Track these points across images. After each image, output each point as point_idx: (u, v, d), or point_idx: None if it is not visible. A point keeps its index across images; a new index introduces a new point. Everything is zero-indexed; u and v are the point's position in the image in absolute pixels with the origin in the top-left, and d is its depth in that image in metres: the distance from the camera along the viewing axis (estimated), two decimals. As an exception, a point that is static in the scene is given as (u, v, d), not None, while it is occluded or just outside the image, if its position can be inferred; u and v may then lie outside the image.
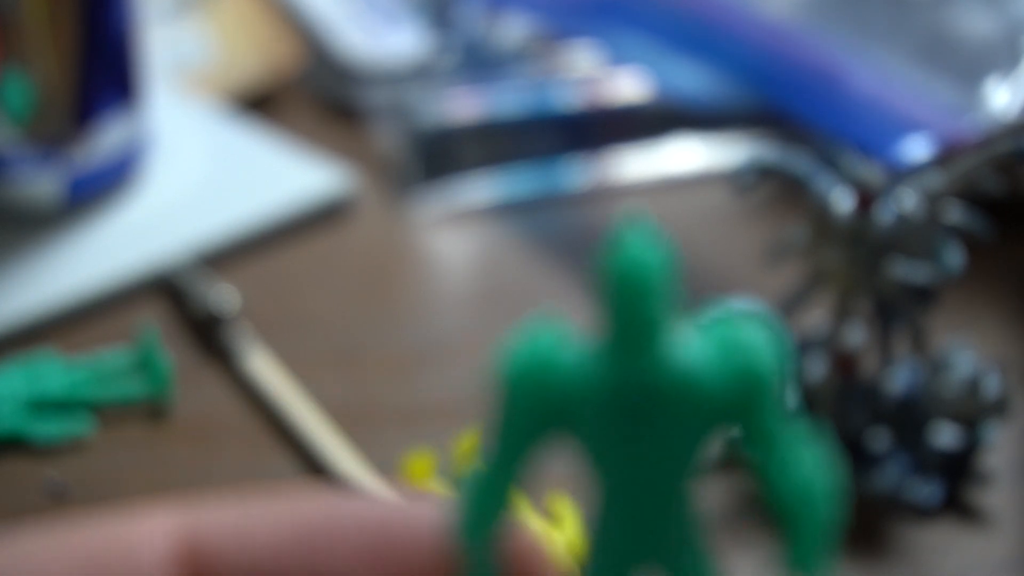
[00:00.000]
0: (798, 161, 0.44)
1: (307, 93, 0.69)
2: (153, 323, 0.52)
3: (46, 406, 0.48)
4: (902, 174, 0.45)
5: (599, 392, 0.17)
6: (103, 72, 0.56)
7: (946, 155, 0.52)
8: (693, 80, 0.63)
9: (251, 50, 0.69)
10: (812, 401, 0.46)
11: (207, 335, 0.52)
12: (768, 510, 0.18)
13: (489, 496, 0.17)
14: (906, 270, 0.43)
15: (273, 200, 0.59)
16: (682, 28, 0.61)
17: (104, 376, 0.49)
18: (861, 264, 0.44)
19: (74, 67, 0.55)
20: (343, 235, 0.59)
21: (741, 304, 0.17)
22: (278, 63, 0.68)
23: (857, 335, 0.45)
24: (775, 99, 0.59)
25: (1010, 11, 0.58)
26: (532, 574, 0.20)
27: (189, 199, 0.59)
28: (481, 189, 0.62)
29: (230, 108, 0.66)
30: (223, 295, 0.53)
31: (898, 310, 0.45)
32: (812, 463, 0.17)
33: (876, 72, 0.57)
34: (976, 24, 0.58)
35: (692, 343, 0.17)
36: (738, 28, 0.60)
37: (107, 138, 0.57)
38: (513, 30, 0.67)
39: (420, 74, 0.65)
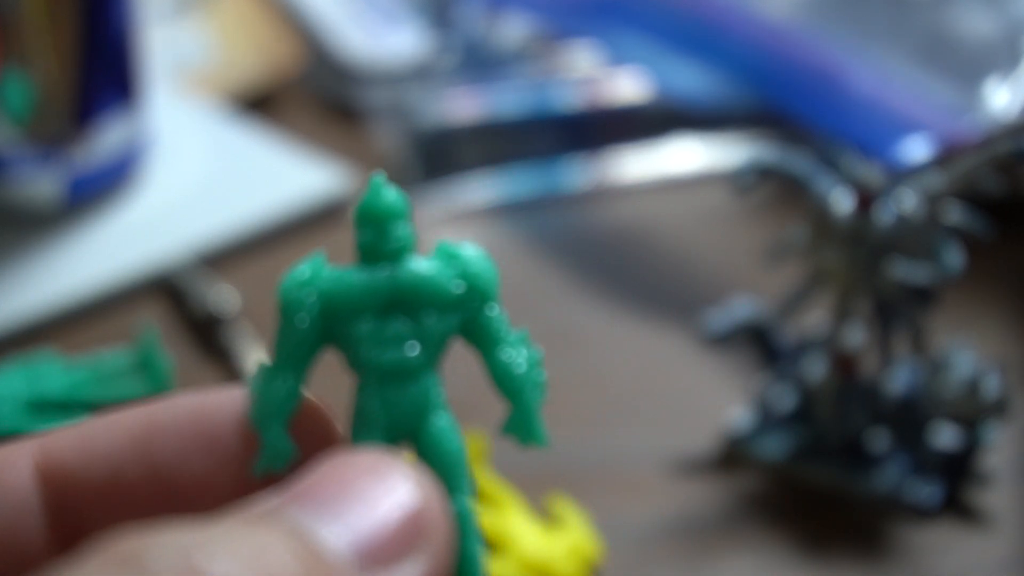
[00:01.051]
0: (798, 161, 0.44)
1: (307, 93, 0.69)
2: (153, 323, 0.52)
3: (46, 406, 0.48)
4: (902, 174, 0.45)
5: (357, 295, 0.21)
6: (103, 72, 0.56)
7: (946, 155, 0.52)
8: (693, 80, 0.63)
9: (251, 50, 0.69)
10: (812, 401, 0.46)
11: (207, 335, 0.52)
12: (496, 390, 0.22)
13: (273, 388, 0.22)
14: (906, 270, 0.43)
15: (273, 200, 0.59)
16: (682, 28, 0.61)
17: (104, 376, 0.49)
18: (861, 264, 0.44)
19: (74, 67, 0.55)
20: (343, 235, 0.59)
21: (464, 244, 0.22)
22: (278, 63, 0.68)
23: (857, 335, 0.45)
24: (775, 99, 0.59)
25: (1010, 11, 0.58)
26: (321, 446, 0.23)
27: (189, 199, 0.59)
28: (481, 189, 0.62)
29: (230, 108, 0.66)
30: (223, 295, 0.53)
31: (898, 310, 0.45)
32: (525, 355, 0.22)
33: (876, 72, 0.57)
34: (976, 25, 0.58)
35: (426, 260, 0.22)
36: (738, 28, 0.60)
37: (107, 138, 0.57)
38: (513, 30, 0.67)
39: (420, 74, 0.65)
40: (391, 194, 0.22)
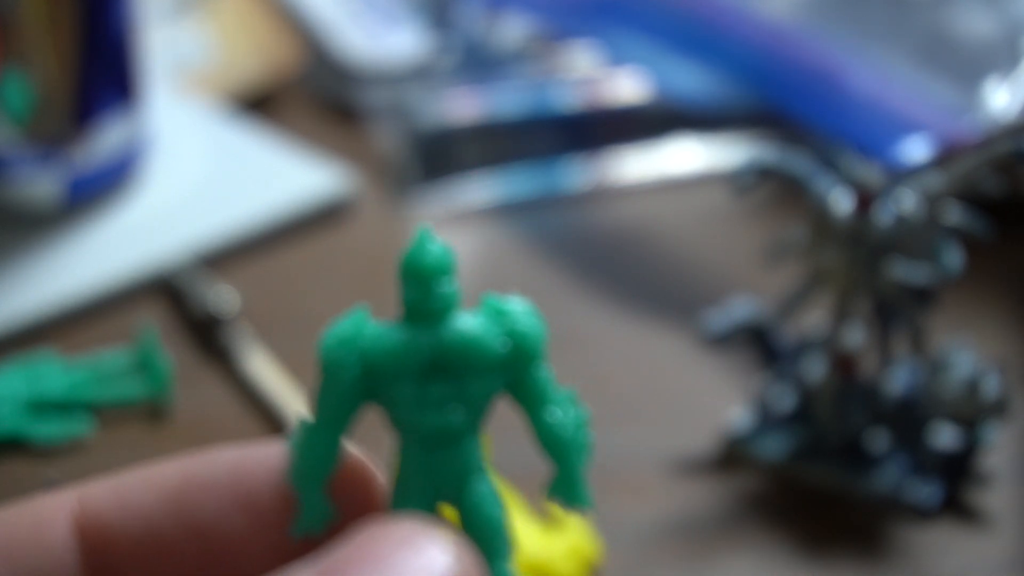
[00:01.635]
0: (797, 162, 0.44)
1: (307, 93, 0.69)
2: (153, 323, 0.52)
3: (46, 406, 0.48)
4: (901, 175, 0.45)
5: (400, 356, 0.21)
6: (103, 72, 0.56)
7: (945, 156, 0.52)
8: (692, 80, 0.63)
9: (251, 50, 0.69)
10: (812, 401, 0.46)
11: (207, 335, 0.52)
12: (541, 451, 0.22)
13: (313, 449, 0.21)
14: (905, 271, 0.43)
15: (273, 200, 0.59)
16: (681, 28, 0.61)
17: (104, 376, 0.49)
18: (860, 265, 0.44)
19: (74, 67, 0.55)
20: (343, 235, 0.59)
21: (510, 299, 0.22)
22: (278, 63, 0.68)
23: (857, 335, 0.45)
24: (774, 99, 0.59)
25: (1009, 12, 0.58)
26: (362, 507, 0.22)
27: (189, 199, 0.59)
28: (481, 189, 0.62)
29: (230, 108, 0.66)
30: (223, 295, 0.53)
31: (897, 310, 0.45)
32: (572, 416, 0.22)
33: (875, 72, 0.57)
34: (975, 25, 0.58)
35: (472, 317, 0.21)
36: (738, 28, 0.60)
37: (107, 138, 0.57)
38: (513, 30, 0.67)
39: (420, 74, 0.65)
40: (437, 249, 0.21)
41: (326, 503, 0.22)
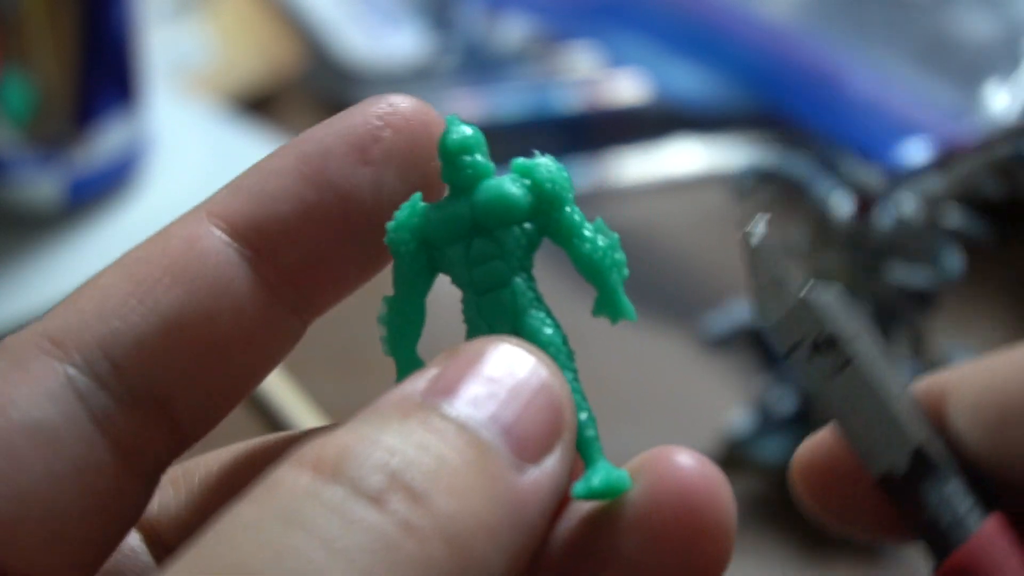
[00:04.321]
0: (797, 164, 0.44)
1: (307, 94, 0.69)
2: (153, 324, 0.52)
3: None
4: (901, 177, 0.45)
5: (445, 224, 0.24)
6: (103, 73, 0.56)
7: (945, 158, 0.52)
8: (693, 82, 0.63)
9: (251, 51, 0.69)
10: (812, 404, 0.46)
11: (207, 337, 0.52)
12: (582, 276, 0.24)
13: (398, 318, 0.24)
14: (905, 274, 0.44)
15: (273, 201, 0.59)
16: (682, 30, 0.61)
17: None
18: (860, 267, 0.44)
19: (74, 68, 0.55)
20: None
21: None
22: (278, 64, 0.68)
23: (856, 338, 0.45)
24: (775, 101, 0.59)
25: (1009, 14, 0.58)
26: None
27: (190, 200, 0.59)
28: (481, 190, 0.62)
29: (230, 109, 0.66)
30: (223, 297, 0.53)
31: (898, 313, 0.45)
32: (605, 239, 0.24)
33: (875, 75, 0.58)
34: (975, 27, 0.58)
35: (499, 179, 0.24)
36: (738, 31, 0.60)
37: (107, 139, 0.57)
38: (513, 31, 0.67)
39: (420, 75, 0.65)
40: (458, 131, 0.24)
41: (419, 360, 0.25)
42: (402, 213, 0.24)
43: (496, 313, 0.24)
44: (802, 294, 0.24)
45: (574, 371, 0.24)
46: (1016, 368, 0.22)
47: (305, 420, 0.48)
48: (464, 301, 0.24)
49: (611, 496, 0.22)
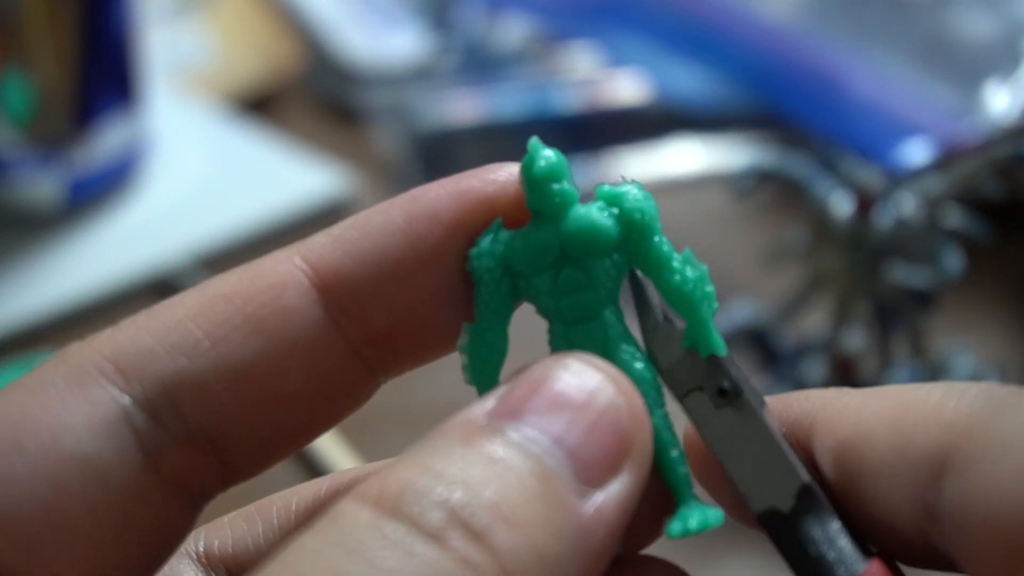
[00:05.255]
0: (797, 164, 0.44)
1: (307, 94, 0.69)
2: (153, 325, 0.52)
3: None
4: (901, 177, 0.45)
5: (531, 253, 0.23)
6: (103, 74, 0.56)
7: (945, 159, 0.52)
8: (693, 82, 0.63)
9: (251, 51, 0.69)
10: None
11: (207, 337, 0.52)
12: (672, 307, 0.24)
13: (480, 347, 0.24)
14: (905, 274, 0.44)
15: (273, 201, 0.59)
16: (682, 30, 0.61)
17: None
18: (860, 268, 0.44)
19: (74, 69, 0.55)
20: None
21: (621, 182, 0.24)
22: (278, 64, 0.68)
23: (857, 338, 0.45)
24: (775, 101, 0.59)
25: (1009, 15, 0.58)
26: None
27: (189, 200, 0.59)
28: (481, 191, 0.62)
29: (230, 109, 0.66)
30: (223, 297, 0.53)
31: (897, 313, 0.45)
32: (694, 272, 0.24)
33: (875, 75, 0.57)
34: (975, 27, 0.58)
35: (587, 207, 0.24)
36: (738, 31, 0.60)
37: (107, 140, 0.57)
38: (513, 31, 0.67)
39: (420, 76, 0.65)
40: (545, 157, 0.23)
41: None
42: (485, 239, 0.24)
43: (586, 345, 0.23)
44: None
45: (663, 408, 0.23)
46: (881, 417, 0.22)
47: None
48: (551, 332, 0.24)
49: (702, 532, 0.22)
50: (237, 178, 0.61)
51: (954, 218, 0.43)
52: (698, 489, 0.23)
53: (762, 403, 0.24)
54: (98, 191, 0.58)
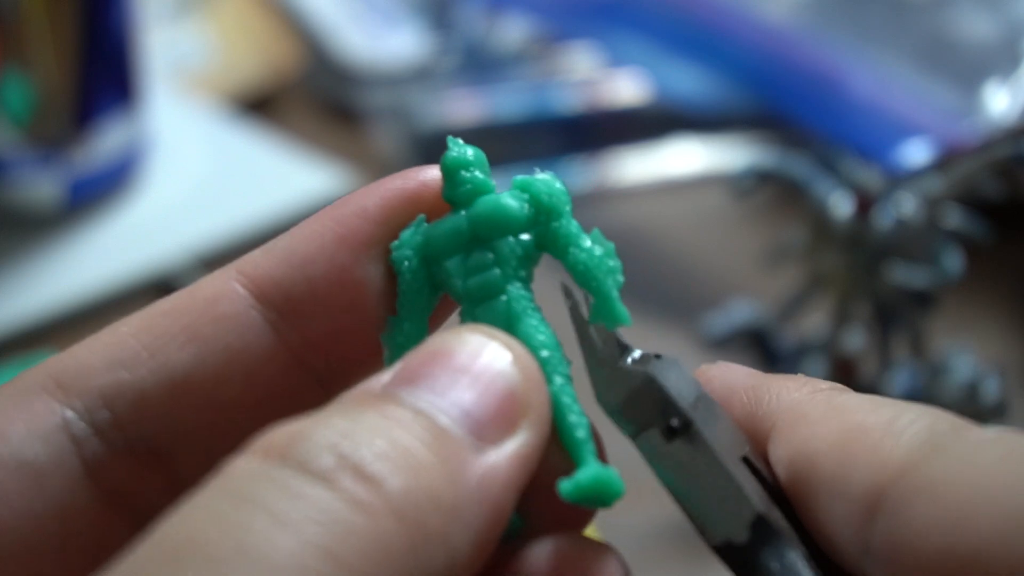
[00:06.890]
0: (797, 165, 0.44)
1: (307, 95, 0.69)
2: (153, 325, 0.52)
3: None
4: (901, 178, 0.45)
5: (445, 239, 0.24)
6: (103, 74, 0.56)
7: (945, 159, 0.52)
8: (693, 83, 0.63)
9: (251, 52, 0.69)
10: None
11: (207, 337, 0.52)
12: (579, 283, 0.24)
13: (400, 336, 0.24)
14: (905, 274, 0.44)
15: (273, 201, 0.59)
16: (682, 31, 0.61)
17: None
18: (860, 268, 0.44)
19: (74, 69, 0.55)
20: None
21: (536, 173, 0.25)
22: (278, 65, 0.68)
23: (856, 339, 0.45)
24: (774, 102, 0.59)
25: (1009, 15, 0.58)
26: None
27: (189, 201, 0.59)
28: (481, 191, 0.62)
29: (230, 110, 0.66)
30: (223, 297, 0.53)
31: (897, 314, 0.45)
32: (600, 249, 0.24)
33: (875, 76, 0.58)
34: (975, 28, 0.58)
35: (495, 195, 0.24)
36: (738, 31, 0.60)
37: (107, 140, 0.57)
38: (513, 32, 0.67)
39: (420, 76, 0.65)
40: (458, 147, 0.25)
41: None
42: (406, 232, 0.24)
43: (490, 320, 0.24)
44: (642, 371, 0.24)
45: (566, 375, 0.24)
46: (829, 443, 0.22)
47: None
48: (461, 313, 0.24)
49: (601, 497, 0.23)
50: (237, 178, 0.61)
51: (954, 218, 0.43)
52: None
53: (715, 429, 0.23)
54: (98, 191, 0.58)
